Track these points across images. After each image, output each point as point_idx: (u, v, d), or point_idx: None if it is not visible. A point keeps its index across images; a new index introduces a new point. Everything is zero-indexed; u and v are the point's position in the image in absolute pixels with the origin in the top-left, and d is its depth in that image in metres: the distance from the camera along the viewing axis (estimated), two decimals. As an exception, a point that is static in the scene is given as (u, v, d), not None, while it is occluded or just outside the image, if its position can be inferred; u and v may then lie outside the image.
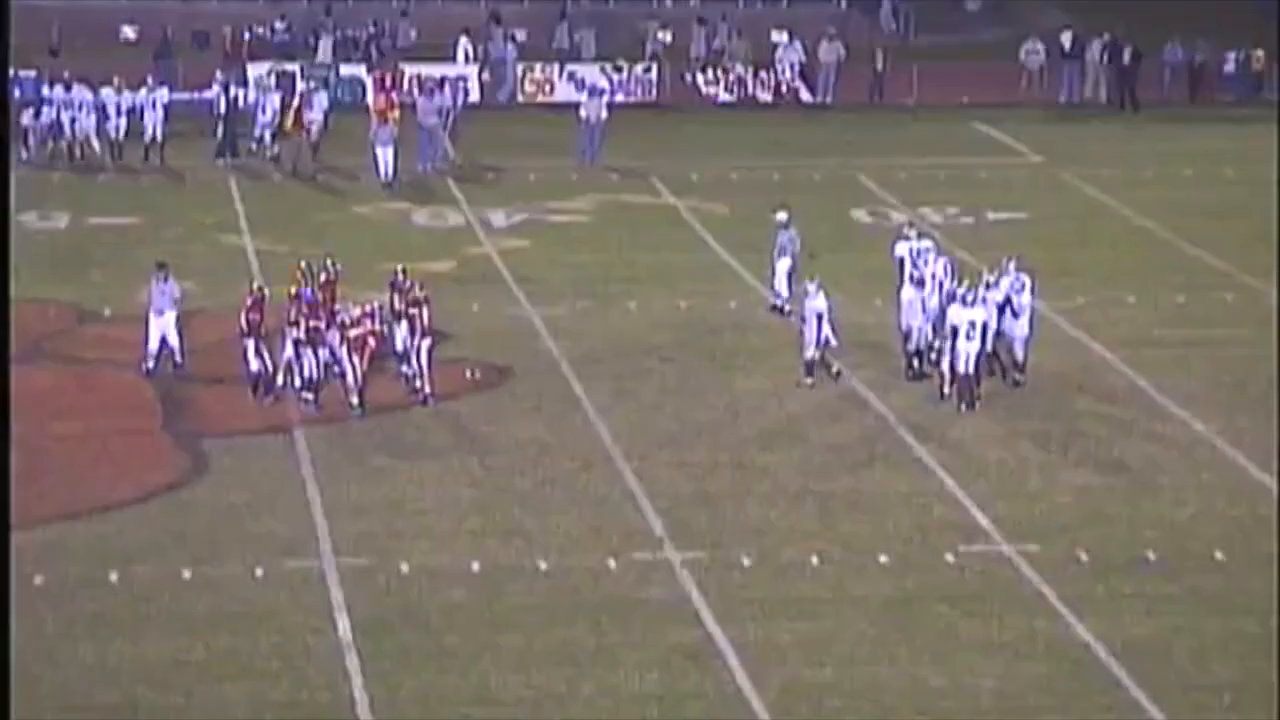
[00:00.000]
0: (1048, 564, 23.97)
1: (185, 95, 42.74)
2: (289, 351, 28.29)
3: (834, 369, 29.64)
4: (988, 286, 29.60)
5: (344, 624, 22.16)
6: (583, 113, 43.85)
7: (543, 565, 23.70)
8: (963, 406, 28.47)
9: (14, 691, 20.37)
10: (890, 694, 21.03)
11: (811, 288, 29.63)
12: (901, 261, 31.27)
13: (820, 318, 29.44)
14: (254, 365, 28.29)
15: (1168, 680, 21.31)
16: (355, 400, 27.91)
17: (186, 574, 23.27)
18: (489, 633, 22.05)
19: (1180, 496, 26.10)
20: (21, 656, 21.16)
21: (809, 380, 29.45)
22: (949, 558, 24.16)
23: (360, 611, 22.42)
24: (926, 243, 31.74)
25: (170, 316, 29.20)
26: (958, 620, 22.58)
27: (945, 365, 28.90)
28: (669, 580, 23.45)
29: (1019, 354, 29.94)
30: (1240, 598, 23.12)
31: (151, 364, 29.25)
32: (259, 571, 23.35)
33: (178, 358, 29.25)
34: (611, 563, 23.80)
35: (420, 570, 23.48)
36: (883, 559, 24.05)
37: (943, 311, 29.53)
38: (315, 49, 50.40)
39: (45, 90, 42.73)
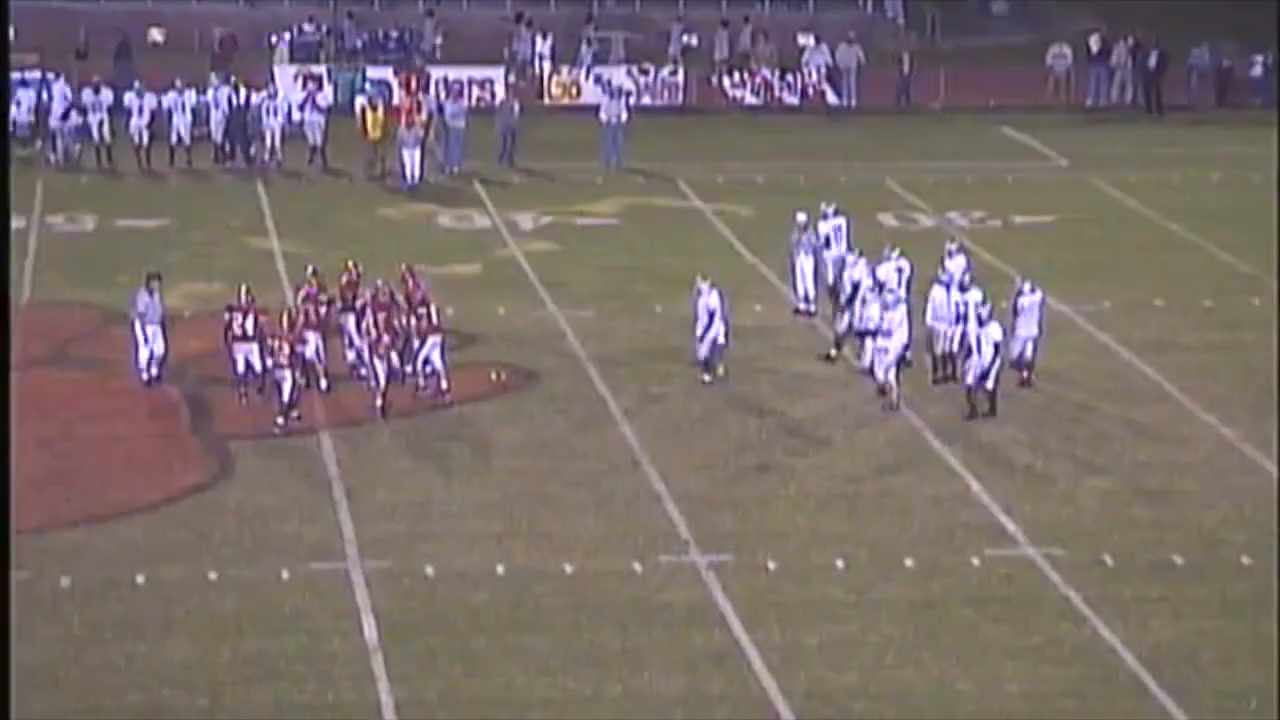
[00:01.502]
0: (1074, 568, 23.93)
1: (208, 98, 42.71)
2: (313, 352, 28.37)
3: (716, 374, 29.37)
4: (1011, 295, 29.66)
5: (370, 626, 22.18)
6: (603, 115, 43.85)
7: (568, 568, 23.70)
8: (973, 415, 28.30)
9: (40, 693, 20.51)
10: (916, 698, 21.01)
11: (704, 286, 29.50)
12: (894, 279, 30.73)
13: (713, 316, 29.30)
14: (242, 370, 28.23)
15: (1194, 685, 21.26)
16: (379, 404, 27.81)
17: (213, 576, 23.30)
18: (514, 635, 22.06)
19: (1207, 501, 26.03)
20: (48, 658, 21.27)
21: (707, 377, 29.34)
22: (975, 561, 24.13)
23: (386, 614, 22.44)
24: (904, 262, 31.11)
25: (157, 328, 29.01)
26: (984, 624, 22.54)
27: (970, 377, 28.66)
28: (694, 583, 23.44)
29: (1028, 354, 29.88)
30: (1267, 602, 23.03)
31: (151, 373, 28.95)
32: (285, 574, 23.38)
33: (157, 369, 29.04)
34: (637, 566, 23.80)
35: (446, 573, 23.49)
36: (909, 562, 24.02)
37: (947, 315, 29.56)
38: (342, 51, 50.53)
39: (70, 93, 42.79)
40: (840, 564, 23.92)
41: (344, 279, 29.62)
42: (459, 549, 24.14)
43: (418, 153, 40.99)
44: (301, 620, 22.32)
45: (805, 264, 32.71)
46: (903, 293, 29.83)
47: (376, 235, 37.30)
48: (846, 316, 30.33)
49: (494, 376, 29.59)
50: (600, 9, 53.86)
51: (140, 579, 23.21)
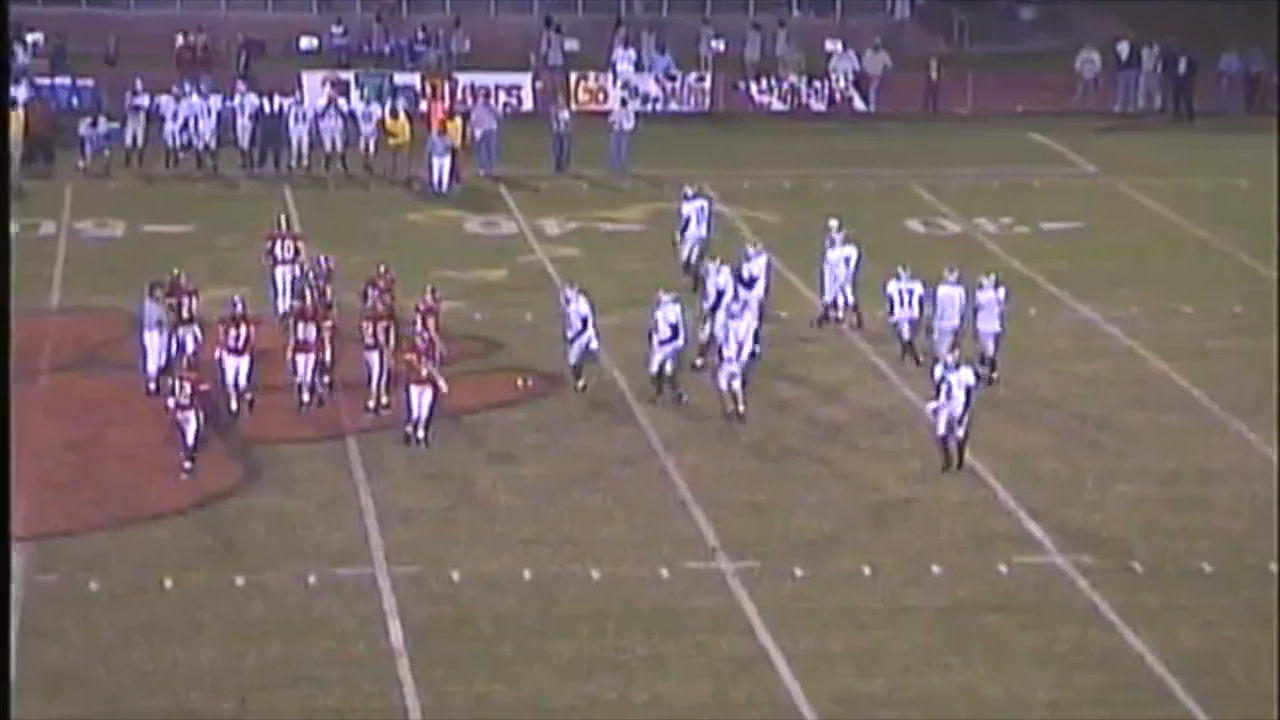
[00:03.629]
0: (1101, 575, 23.89)
1: (234, 103, 42.79)
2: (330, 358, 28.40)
3: (581, 384, 29.24)
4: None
5: (396, 632, 22.21)
6: (611, 120, 43.86)
7: (595, 574, 23.71)
8: (947, 467, 26.60)
9: (67, 696, 20.58)
10: (942, 705, 20.99)
11: (571, 293, 29.33)
12: (891, 301, 30.72)
13: (585, 322, 29.18)
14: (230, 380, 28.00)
15: (1222, 692, 21.22)
16: (418, 433, 27.34)
17: (239, 581, 23.35)
18: (541, 641, 22.08)
19: (1235, 508, 25.97)
20: (76, 661, 21.34)
21: (580, 383, 29.23)
22: (1002, 568, 24.09)
23: (412, 619, 22.47)
24: (917, 284, 30.74)
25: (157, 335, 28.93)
26: (1011, 631, 22.51)
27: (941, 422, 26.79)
28: (721, 590, 23.44)
29: (989, 350, 29.83)
30: (1295, 610, 23.00)
31: (157, 383, 28.59)
32: (311, 579, 23.42)
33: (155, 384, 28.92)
34: (664, 572, 23.80)
35: (472, 578, 23.51)
36: (935, 569, 23.99)
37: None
38: (369, 57, 50.65)
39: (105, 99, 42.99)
40: (867, 571, 23.90)
41: (380, 284, 29.70)
42: (485, 554, 24.16)
43: (446, 159, 41.03)
44: (328, 625, 22.36)
45: (839, 271, 32.64)
46: (753, 296, 29.74)
47: (403, 240, 37.34)
48: (708, 325, 29.87)
49: (520, 382, 29.61)
50: (629, 14, 53.87)
51: (168, 583, 23.26)
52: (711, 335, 29.70)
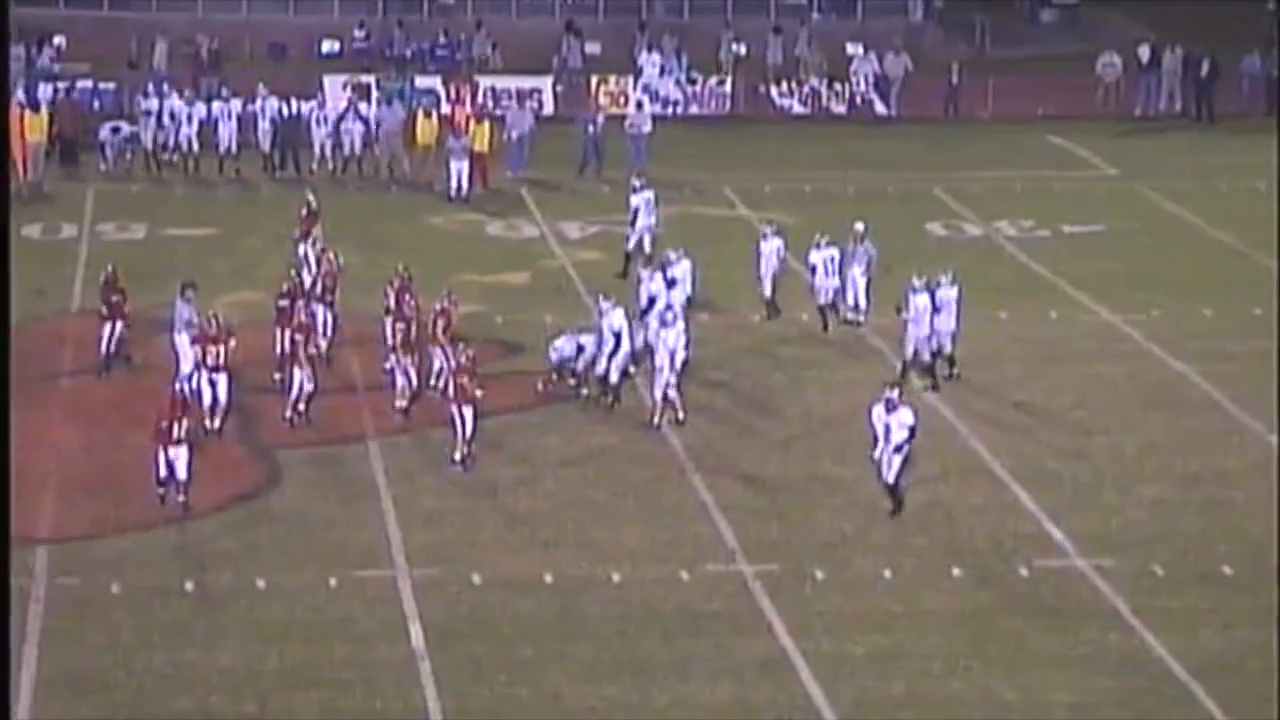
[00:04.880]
0: (1122, 578, 23.84)
1: (255, 107, 42.84)
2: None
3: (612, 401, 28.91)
4: (914, 290, 29.55)
5: (417, 634, 22.22)
6: (628, 124, 43.83)
7: (615, 577, 23.70)
8: (897, 511, 25.30)
9: (89, 699, 20.61)
10: (963, 708, 20.96)
11: (606, 305, 28.97)
12: (814, 269, 32.35)
13: (619, 337, 28.62)
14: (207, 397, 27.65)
15: (1243, 695, 21.17)
16: (461, 455, 26.78)
17: (261, 584, 23.37)
18: (561, 644, 22.07)
19: (1256, 511, 25.89)
20: (97, 664, 21.37)
21: (612, 401, 28.77)
22: (1023, 571, 24.06)
23: (433, 622, 22.48)
24: (833, 251, 32.30)
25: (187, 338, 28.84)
26: (1032, 634, 22.48)
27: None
28: (741, 592, 23.42)
29: (947, 348, 29.79)
30: (1317, 613, 22.92)
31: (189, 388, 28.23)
32: (333, 581, 23.44)
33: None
34: (684, 574, 23.79)
35: (493, 581, 23.52)
36: (956, 572, 23.96)
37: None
38: (391, 60, 50.70)
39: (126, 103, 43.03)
40: (887, 574, 23.87)
41: (396, 283, 29.68)
42: (506, 557, 24.16)
43: (464, 164, 40.96)
44: (348, 627, 22.37)
45: (858, 274, 32.62)
46: (679, 307, 29.56)
47: (424, 244, 37.33)
48: (642, 332, 29.62)
49: (541, 385, 29.61)
50: (650, 17, 53.86)
51: (189, 586, 23.29)
52: (645, 342, 29.49)
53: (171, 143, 42.30)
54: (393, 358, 28.79)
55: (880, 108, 50.72)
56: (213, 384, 27.64)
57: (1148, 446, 28.12)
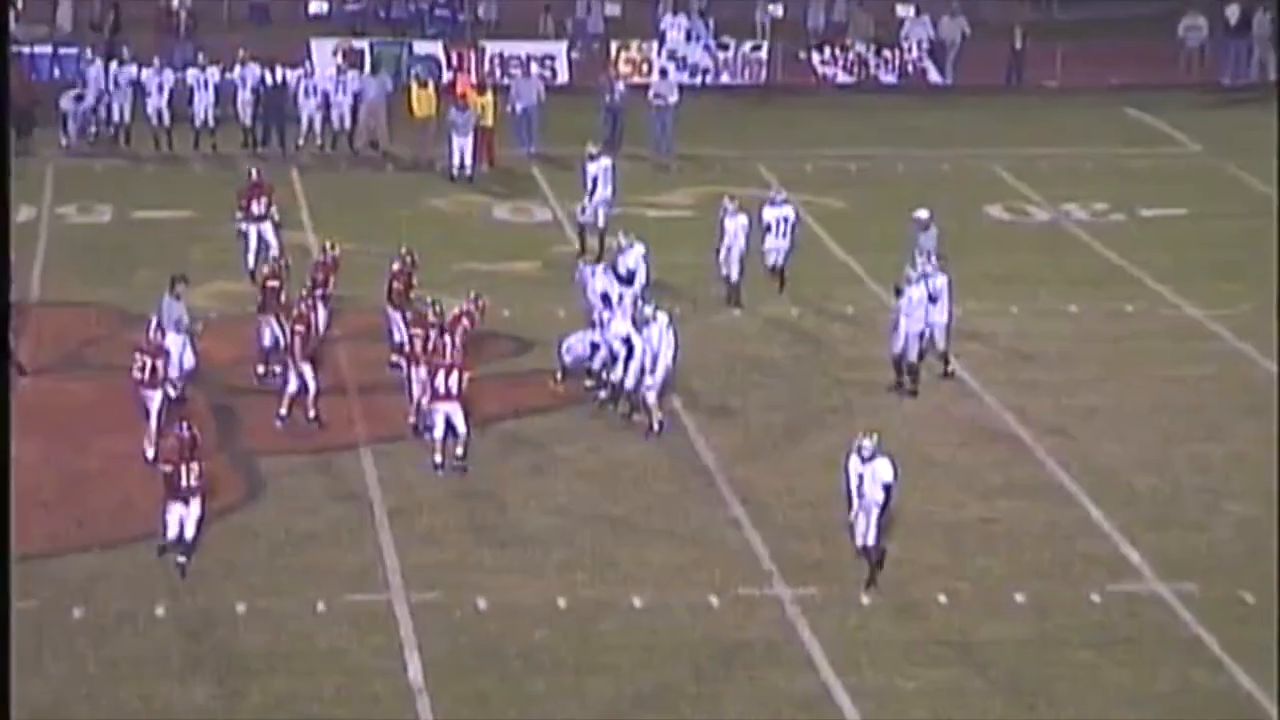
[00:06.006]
0: (1207, 606, 23.87)
1: (234, 75, 42.91)
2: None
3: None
4: (908, 281, 29.57)
5: (415, 665, 22.31)
6: (651, 95, 43.79)
7: (637, 602, 23.79)
8: (872, 583, 24.05)
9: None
10: (1027, 750, 21.03)
11: (648, 310, 29.04)
12: (769, 226, 33.62)
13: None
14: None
15: (1342, 738, 21.20)
16: (458, 456, 27.06)
17: (241, 608, 23.47)
18: (576, 676, 22.16)
19: (1358, 530, 25.91)
20: (58, 698, 21.47)
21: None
22: (1094, 597, 24.11)
23: (433, 652, 22.57)
24: (787, 210, 33.65)
25: (184, 338, 28.88)
26: (1105, 668, 22.53)
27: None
28: (778, 619, 23.49)
29: (941, 343, 29.85)
30: None
31: (176, 389, 28.33)
32: (321, 606, 23.53)
33: (182, 385, 28.74)
34: (714, 599, 23.86)
35: (500, 606, 23.60)
36: (1019, 598, 24.01)
37: None
38: (386, 23, 50.86)
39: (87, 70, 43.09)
40: (942, 599, 23.93)
41: (395, 266, 29.91)
42: (515, 579, 24.24)
43: (468, 139, 41.00)
44: (339, 658, 22.46)
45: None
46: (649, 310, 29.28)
47: (424, 228, 37.42)
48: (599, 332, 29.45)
49: (553, 385, 29.66)
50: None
51: (160, 611, 23.39)
52: (605, 343, 29.15)
53: (139, 115, 42.46)
54: (403, 362, 28.86)
55: (935, 76, 50.81)
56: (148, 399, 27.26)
57: (1236, 457, 28.15)
